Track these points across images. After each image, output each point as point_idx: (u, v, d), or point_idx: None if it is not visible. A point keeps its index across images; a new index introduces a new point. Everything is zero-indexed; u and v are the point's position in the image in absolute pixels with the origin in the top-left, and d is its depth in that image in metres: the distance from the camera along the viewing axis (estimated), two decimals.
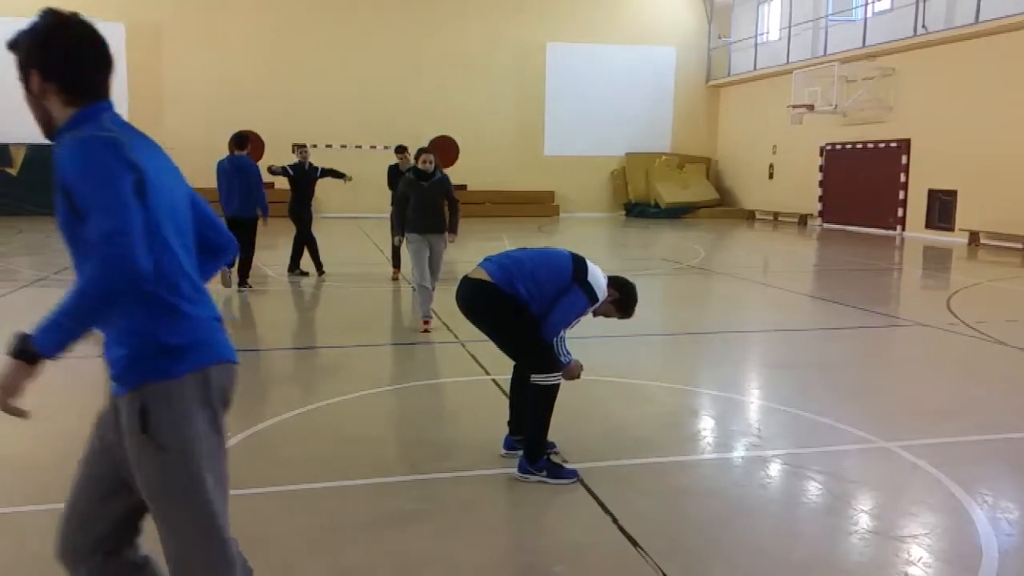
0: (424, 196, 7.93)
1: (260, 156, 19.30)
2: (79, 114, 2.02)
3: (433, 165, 8.06)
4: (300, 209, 11.76)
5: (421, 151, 8.19)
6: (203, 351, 2.06)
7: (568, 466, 4.23)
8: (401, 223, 8.03)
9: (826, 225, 23.34)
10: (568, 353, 4.28)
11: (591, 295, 4.18)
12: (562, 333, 4.24)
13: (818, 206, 23.82)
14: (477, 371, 6.50)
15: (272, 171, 11.75)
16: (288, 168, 11.75)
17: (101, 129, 1.95)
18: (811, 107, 21.68)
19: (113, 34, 25.29)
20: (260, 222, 10.51)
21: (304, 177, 11.79)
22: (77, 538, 2.14)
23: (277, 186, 16.29)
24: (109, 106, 2.08)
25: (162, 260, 1.98)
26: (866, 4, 21.86)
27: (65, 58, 2.01)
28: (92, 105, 2.04)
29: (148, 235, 1.91)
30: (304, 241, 11.81)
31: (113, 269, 1.78)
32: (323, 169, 12.07)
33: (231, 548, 2.16)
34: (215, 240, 2.35)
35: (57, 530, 2.18)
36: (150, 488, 2.05)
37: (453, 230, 8.20)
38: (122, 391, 2.03)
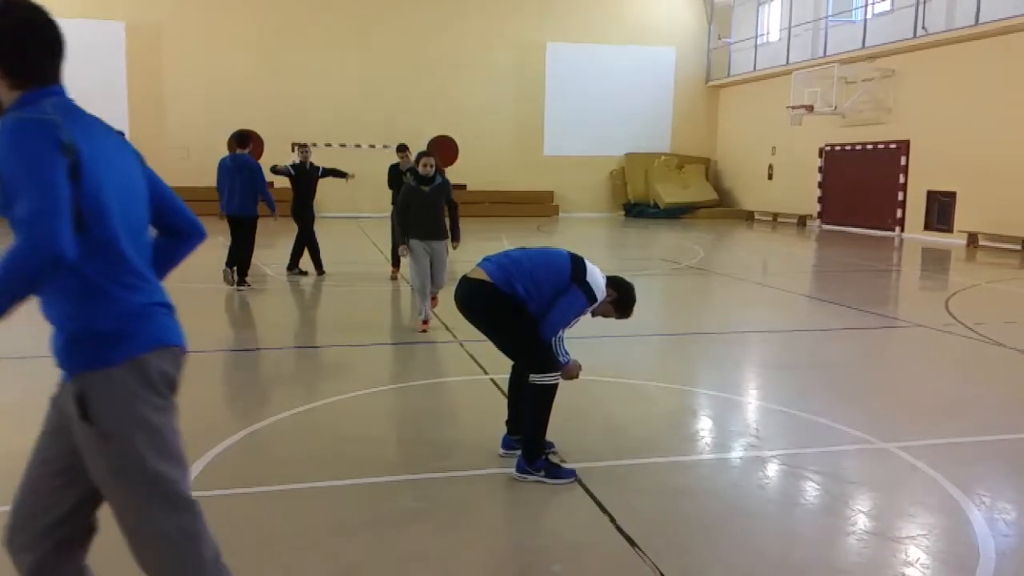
0: (425, 202, 7.79)
1: (260, 155, 19.29)
2: (23, 97, 2.01)
3: (434, 169, 7.89)
4: (302, 209, 11.75)
5: (422, 155, 8.01)
6: (142, 336, 2.04)
7: (566, 466, 4.23)
8: (404, 231, 7.87)
9: (825, 226, 23.36)
10: (566, 353, 4.28)
11: (590, 295, 4.18)
12: (560, 333, 4.25)
13: (817, 207, 23.83)
14: (476, 371, 6.51)
15: (275, 171, 11.74)
16: (290, 168, 11.76)
17: (38, 112, 1.94)
18: (811, 108, 21.69)
19: (113, 33, 25.56)
20: (271, 218, 10.55)
21: (306, 176, 11.77)
22: (26, 525, 2.11)
23: (277, 185, 16.31)
24: (58, 91, 2.06)
25: (100, 244, 1.97)
26: (866, 5, 21.87)
27: (10, 41, 2.00)
28: (39, 89, 2.03)
29: (83, 218, 1.90)
30: (305, 241, 11.80)
31: (33, 250, 1.77)
32: (324, 169, 12.06)
33: (193, 523, 2.12)
34: (179, 225, 2.35)
35: (7, 517, 2.14)
36: (99, 475, 2.04)
37: (456, 238, 8.11)
38: (67, 378, 2.03)
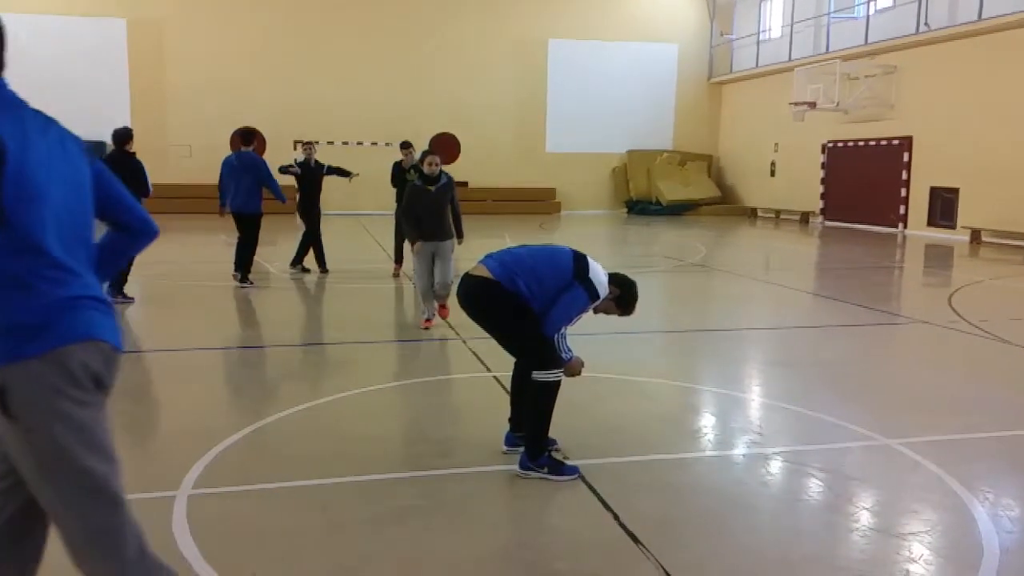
0: (431, 201, 7.71)
1: (263, 152, 19.30)
2: None
3: (439, 168, 7.85)
4: (309, 206, 11.75)
5: (426, 154, 7.98)
6: (64, 329, 2.01)
7: (569, 463, 4.23)
8: (417, 230, 7.72)
9: (828, 223, 23.33)
10: (569, 350, 4.28)
11: (592, 292, 4.18)
12: (563, 330, 4.24)
13: (820, 203, 23.80)
14: (479, 368, 6.50)
15: (283, 171, 11.69)
16: (296, 166, 11.75)
17: None
18: (813, 104, 21.65)
19: (114, 30, 25.55)
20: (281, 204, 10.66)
21: (311, 174, 11.78)
22: None
23: (281, 183, 16.32)
24: None
25: (23, 238, 1.96)
26: (868, 1, 21.82)
27: None
28: None
29: (5, 212, 1.90)
30: (311, 240, 11.79)
31: None
32: (329, 167, 12.06)
33: (120, 519, 2.09)
34: (128, 221, 2.35)
35: None
36: (27, 471, 2.02)
37: (460, 235, 8.08)
38: None
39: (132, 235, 2.38)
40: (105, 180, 2.27)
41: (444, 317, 8.06)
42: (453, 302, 4.96)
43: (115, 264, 2.38)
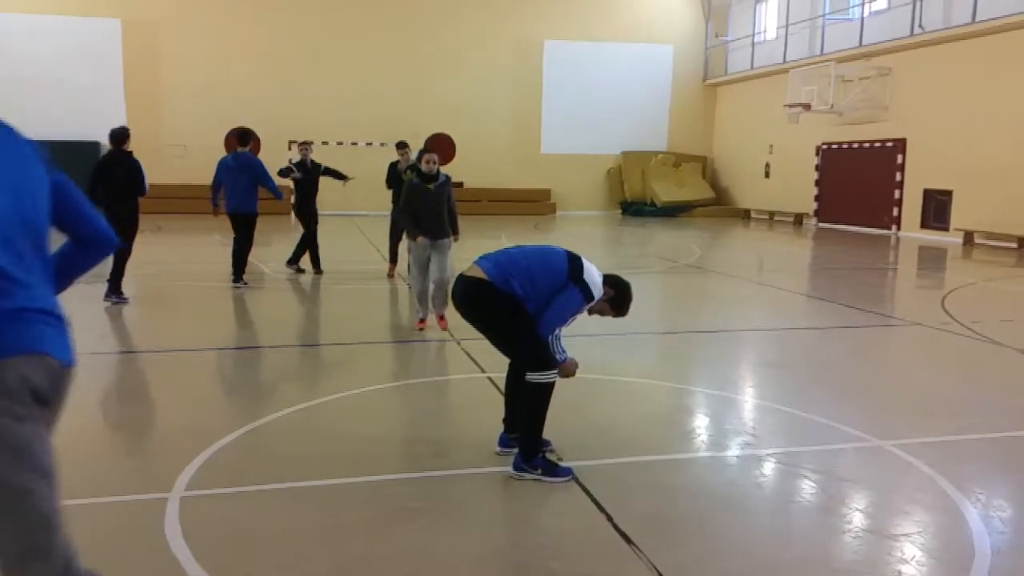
0: (431, 200, 7.70)
1: (258, 152, 19.28)
2: None
3: (437, 166, 7.84)
4: (306, 207, 11.74)
5: (424, 152, 7.98)
6: (4, 342, 1.93)
7: (563, 464, 4.24)
8: (417, 226, 7.68)
9: (822, 224, 23.39)
10: (563, 351, 4.28)
11: (587, 293, 4.19)
12: (557, 331, 4.25)
13: (814, 205, 23.86)
14: (473, 369, 6.51)
15: (283, 174, 11.65)
16: (294, 167, 11.74)
17: None
18: (807, 106, 21.71)
19: (109, 30, 25.48)
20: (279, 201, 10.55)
21: (308, 175, 11.77)
22: None
23: (279, 183, 16.28)
24: None
25: None
26: (863, 3, 21.89)
27: None
28: None
29: None
30: (309, 241, 11.78)
31: None
32: (325, 167, 12.05)
33: (50, 539, 2.02)
34: (85, 232, 2.31)
35: None
36: None
37: (456, 231, 8.08)
38: None
39: (90, 247, 2.33)
40: (64, 190, 2.22)
41: (443, 328, 7.91)
42: (451, 311, 4.95)
43: (72, 275, 2.31)
